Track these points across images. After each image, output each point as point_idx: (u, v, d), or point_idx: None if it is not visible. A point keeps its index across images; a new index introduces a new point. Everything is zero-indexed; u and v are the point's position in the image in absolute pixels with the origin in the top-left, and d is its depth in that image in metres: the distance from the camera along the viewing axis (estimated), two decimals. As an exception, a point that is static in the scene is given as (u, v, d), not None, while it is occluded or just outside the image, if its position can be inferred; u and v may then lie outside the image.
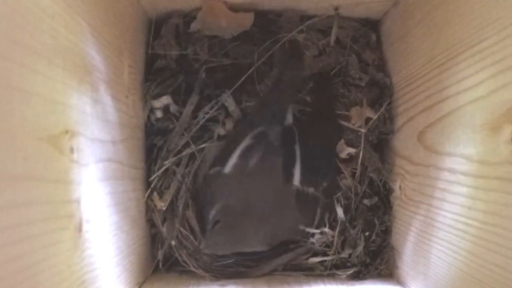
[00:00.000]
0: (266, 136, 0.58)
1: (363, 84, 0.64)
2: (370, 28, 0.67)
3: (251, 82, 0.63)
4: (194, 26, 0.64)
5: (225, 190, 0.58)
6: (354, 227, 0.63)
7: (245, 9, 0.63)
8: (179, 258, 0.61)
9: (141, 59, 0.62)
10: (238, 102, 0.63)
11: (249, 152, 0.58)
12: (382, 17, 0.66)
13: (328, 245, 0.62)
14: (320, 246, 0.62)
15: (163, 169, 0.61)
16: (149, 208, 0.61)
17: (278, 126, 0.59)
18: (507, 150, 0.36)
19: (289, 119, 0.61)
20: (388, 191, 0.63)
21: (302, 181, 0.58)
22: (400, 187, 0.59)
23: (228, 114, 0.63)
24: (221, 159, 0.59)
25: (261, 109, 0.61)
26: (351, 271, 0.61)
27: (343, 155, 0.64)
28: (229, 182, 0.58)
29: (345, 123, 0.64)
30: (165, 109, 0.63)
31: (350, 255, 0.62)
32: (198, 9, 0.63)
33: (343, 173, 0.63)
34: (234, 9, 0.62)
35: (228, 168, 0.58)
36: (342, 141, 0.63)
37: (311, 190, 0.59)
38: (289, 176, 0.58)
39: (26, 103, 0.29)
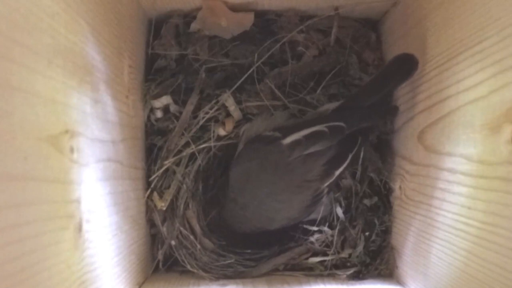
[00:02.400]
0: (341, 133, 0.55)
1: (363, 84, 0.64)
2: (370, 28, 0.67)
3: (251, 82, 0.63)
4: (194, 26, 0.64)
5: (268, 157, 0.56)
6: (354, 227, 0.63)
7: (245, 9, 0.63)
8: (179, 258, 0.61)
9: (141, 59, 0.62)
10: (238, 102, 0.63)
11: (316, 138, 0.55)
12: (382, 17, 0.66)
13: (328, 245, 0.62)
14: (320, 246, 0.62)
15: (163, 169, 0.61)
16: (149, 208, 0.61)
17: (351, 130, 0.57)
18: (507, 150, 0.36)
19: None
20: (388, 191, 0.63)
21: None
22: (400, 187, 0.59)
23: (228, 114, 0.63)
24: (285, 129, 0.57)
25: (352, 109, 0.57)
26: (351, 271, 0.61)
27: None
28: (281, 151, 0.55)
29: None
30: (165, 109, 0.63)
31: (350, 255, 0.62)
32: (198, 9, 0.63)
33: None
34: (234, 9, 0.63)
35: (287, 140, 0.56)
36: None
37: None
38: (330, 168, 0.57)
39: (26, 103, 0.29)
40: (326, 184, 0.57)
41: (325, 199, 0.60)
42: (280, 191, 0.57)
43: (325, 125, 0.55)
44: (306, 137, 0.55)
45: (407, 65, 0.53)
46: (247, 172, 0.58)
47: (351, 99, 0.58)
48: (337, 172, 0.57)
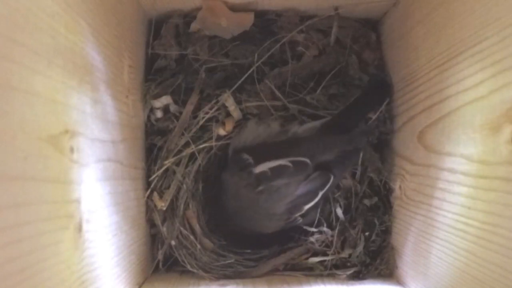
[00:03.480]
0: (305, 169, 0.57)
1: (363, 84, 0.64)
2: (370, 28, 0.67)
3: (251, 82, 0.63)
4: (194, 26, 0.64)
5: (243, 185, 0.58)
6: (354, 227, 0.63)
7: (245, 9, 0.63)
8: (179, 258, 0.61)
9: (141, 59, 0.62)
10: (238, 102, 0.63)
11: (280, 172, 0.57)
12: (382, 17, 0.66)
13: (328, 245, 0.62)
14: (319, 246, 0.62)
15: (163, 169, 0.61)
16: (149, 208, 0.61)
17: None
18: (507, 150, 0.36)
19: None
20: (388, 191, 0.63)
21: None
22: (400, 187, 0.59)
23: (228, 114, 0.63)
24: (257, 154, 0.59)
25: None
26: (351, 271, 0.61)
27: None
28: (250, 181, 0.58)
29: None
30: (165, 109, 0.63)
31: (350, 255, 0.62)
32: (198, 9, 0.63)
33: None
34: (234, 9, 0.62)
35: (257, 169, 0.57)
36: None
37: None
38: (299, 204, 0.59)
39: (26, 103, 0.29)
40: (296, 215, 0.59)
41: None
42: (253, 213, 0.60)
43: (289, 159, 0.57)
44: (271, 170, 0.57)
45: (382, 90, 0.59)
46: (229, 189, 0.60)
47: (333, 118, 0.60)
48: (306, 207, 0.59)
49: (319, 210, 0.63)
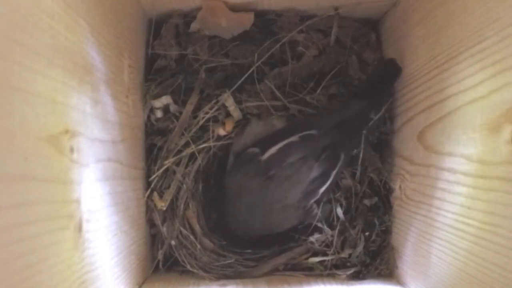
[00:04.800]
0: (313, 141, 0.57)
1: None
2: (370, 28, 0.67)
3: (251, 82, 0.63)
4: (194, 26, 0.64)
5: (252, 176, 0.58)
6: (354, 227, 0.63)
7: (245, 9, 0.63)
8: (179, 258, 0.61)
9: (141, 59, 0.62)
10: (238, 102, 0.63)
11: (288, 149, 0.57)
12: (382, 17, 0.66)
13: (328, 245, 0.62)
14: (320, 246, 0.62)
15: (163, 169, 0.61)
16: (149, 208, 0.61)
17: (330, 138, 0.58)
18: (507, 150, 0.36)
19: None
20: (388, 191, 0.63)
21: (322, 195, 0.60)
22: (400, 187, 0.59)
23: (228, 114, 0.63)
24: (263, 143, 0.59)
25: (328, 117, 0.60)
26: (351, 271, 0.61)
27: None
28: (260, 169, 0.57)
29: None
30: (165, 109, 0.63)
31: (350, 255, 0.62)
32: (198, 9, 0.63)
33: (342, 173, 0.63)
34: (234, 9, 0.62)
35: (266, 155, 0.57)
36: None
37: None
38: (314, 188, 0.58)
39: (26, 103, 0.29)
40: (312, 201, 0.59)
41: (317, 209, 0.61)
42: (265, 208, 0.59)
43: (298, 135, 0.57)
44: (279, 150, 0.57)
45: (392, 69, 0.57)
46: (235, 191, 0.60)
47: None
48: (321, 191, 0.59)
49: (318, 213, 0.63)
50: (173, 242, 0.61)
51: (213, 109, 0.62)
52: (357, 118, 0.59)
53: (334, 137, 0.58)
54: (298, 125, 0.59)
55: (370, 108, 0.60)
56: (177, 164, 0.62)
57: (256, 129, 0.62)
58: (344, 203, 0.64)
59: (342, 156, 0.58)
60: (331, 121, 0.58)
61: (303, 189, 0.58)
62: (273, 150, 0.57)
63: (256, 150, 0.58)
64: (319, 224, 0.63)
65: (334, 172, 0.58)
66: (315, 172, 0.57)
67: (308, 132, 0.57)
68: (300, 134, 0.57)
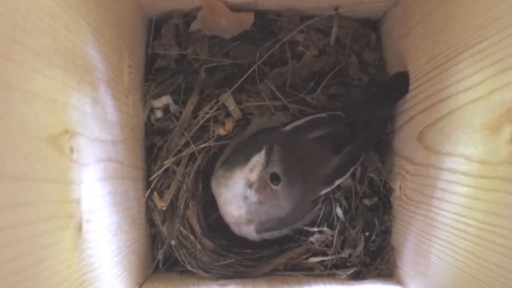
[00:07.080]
0: (340, 122, 0.57)
1: (362, 84, 0.64)
2: (370, 28, 0.67)
3: (251, 82, 0.63)
4: (194, 26, 0.64)
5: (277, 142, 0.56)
6: (354, 227, 0.63)
7: (245, 9, 0.63)
8: (179, 258, 0.61)
9: (141, 59, 0.62)
10: (238, 102, 0.63)
11: (316, 122, 0.57)
12: (382, 17, 0.66)
13: (328, 245, 0.62)
14: (319, 246, 0.62)
15: (163, 169, 0.61)
16: (149, 208, 0.61)
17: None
18: (507, 150, 0.36)
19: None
20: (388, 191, 0.63)
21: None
22: (400, 187, 0.59)
23: (228, 114, 0.63)
24: (284, 122, 0.59)
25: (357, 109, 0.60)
26: (351, 271, 0.61)
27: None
28: (282, 138, 0.56)
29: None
30: (165, 109, 0.63)
31: (350, 255, 0.62)
32: (198, 9, 0.63)
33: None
34: (234, 9, 0.62)
35: (288, 127, 0.57)
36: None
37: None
38: (331, 176, 0.58)
39: (26, 103, 0.29)
40: (324, 191, 0.59)
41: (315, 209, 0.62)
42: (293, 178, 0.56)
43: (326, 113, 0.58)
44: (308, 121, 0.57)
45: (404, 82, 0.57)
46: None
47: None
48: (337, 182, 0.59)
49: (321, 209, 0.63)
50: (173, 242, 0.61)
51: (213, 109, 0.62)
52: (379, 120, 0.60)
53: (357, 129, 0.58)
54: (324, 107, 0.60)
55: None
56: (177, 164, 0.62)
57: (261, 121, 0.61)
58: (344, 203, 0.64)
59: (362, 156, 0.59)
60: (357, 111, 0.59)
61: (324, 173, 0.58)
62: (297, 122, 0.57)
63: (277, 123, 0.58)
64: (318, 228, 0.63)
65: (352, 168, 0.59)
66: (337, 161, 0.57)
67: (336, 112, 0.58)
68: (328, 113, 0.58)
